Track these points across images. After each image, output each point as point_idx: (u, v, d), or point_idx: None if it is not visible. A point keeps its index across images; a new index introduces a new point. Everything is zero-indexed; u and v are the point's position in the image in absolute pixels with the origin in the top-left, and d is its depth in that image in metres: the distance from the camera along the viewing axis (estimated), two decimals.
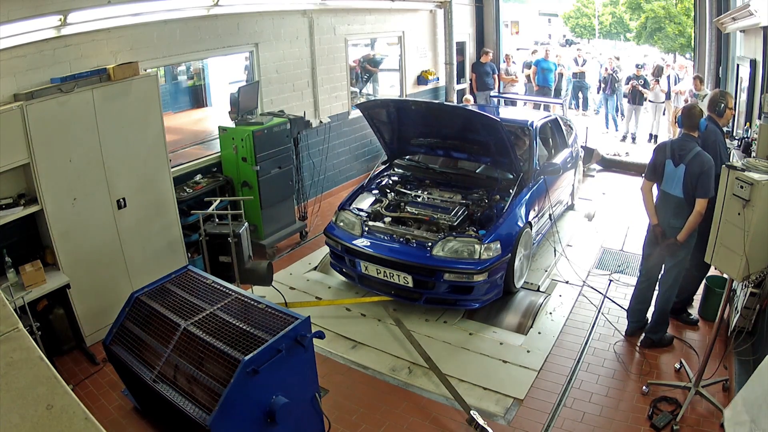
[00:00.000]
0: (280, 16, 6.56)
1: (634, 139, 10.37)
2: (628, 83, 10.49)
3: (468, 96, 9.81)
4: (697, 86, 8.63)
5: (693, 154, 3.76)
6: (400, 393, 3.82)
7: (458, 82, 10.37)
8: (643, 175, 4.21)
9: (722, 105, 4.20)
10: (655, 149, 4.10)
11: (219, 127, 5.85)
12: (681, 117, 3.96)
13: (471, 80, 10.79)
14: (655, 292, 4.20)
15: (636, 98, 10.28)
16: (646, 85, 10.22)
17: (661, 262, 4.07)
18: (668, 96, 10.44)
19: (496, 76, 10.83)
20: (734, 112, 4.93)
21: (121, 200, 4.42)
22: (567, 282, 5.18)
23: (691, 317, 4.45)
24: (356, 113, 7.81)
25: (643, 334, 4.22)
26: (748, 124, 6.21)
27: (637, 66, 10.87)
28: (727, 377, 3.69)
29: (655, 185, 4.07)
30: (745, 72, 6.78)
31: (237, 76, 6.70)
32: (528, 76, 11.79)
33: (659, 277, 4.16)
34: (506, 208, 4.78)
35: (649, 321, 4.26)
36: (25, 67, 4.09)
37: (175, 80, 6.75)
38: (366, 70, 9.15)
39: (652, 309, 4.26)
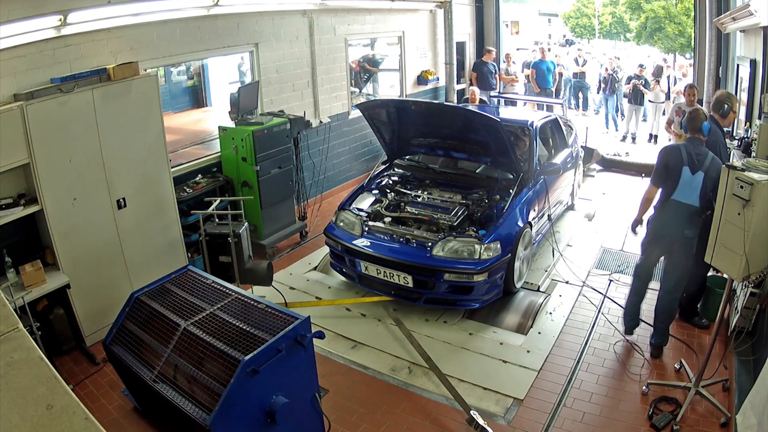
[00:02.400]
0: (280, 16, 6.56)
1: (634, 139, 10.37)
2: (629, 83, 10.48)
3: (474, 88, 9.56)
4: (689, 99, 7.00)
5: (710, 159, 3.66)
6: (400, 393, 3.82)
7: (458, 82, 10.37)
8: (643, 175, 4.13)
9: (726, 106, 4.19)
10: (666, 154, 3.86)
11: (219, 127, 5.84)
12: (685, 121, 3.87)
13: (471, 79, 10.77)
14: (649, 292, 4.18)
15: (637, 98, 10.28)
16: (646, 85, 10.22)
17: (657, 263, 4.05)
18: (668, 96, 10.45)
19: (497, 76, 10.80)
20: (737, 114, 4.86)
21: (121, 200, 4.42)
22: (567, 282, 5.18)
23: (703, 321, 4.41)
24: (356, 113, 7.81)
25: (651, 346, 4.14)
26: (748, 124, 6.21)
27: (640, 66, 10.86)
28: (727, 377, 3.69)
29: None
30: (745, 72, 6.78)
31: (237, 76, 6.70)
32: (528, 76, 11.80)
33: (659, 277, 4.14)
34: (506, 208, 4.78)
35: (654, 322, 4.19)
36: (25, 67, 4.09)
37: (176, 80, 6.75)
38: (365, 69, 9.15)
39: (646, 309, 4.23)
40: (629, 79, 10.56)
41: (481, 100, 9.15)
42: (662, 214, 3.89)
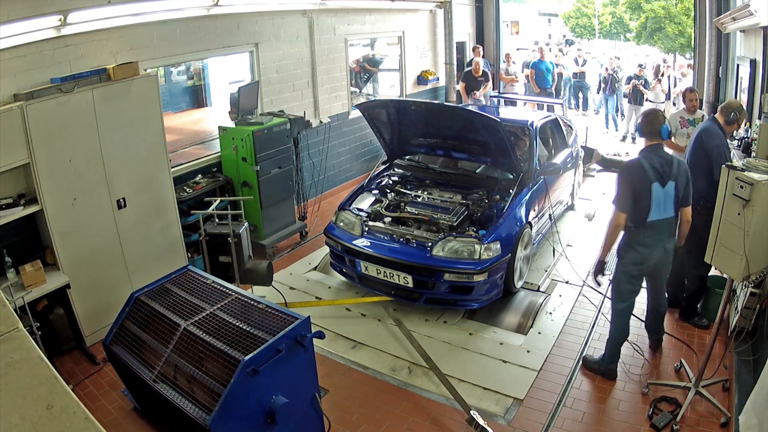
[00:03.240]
0: (280, 16, 6.56)
1: (634, 139, 10.37)
2: (629, 83, 10.47)
3: (477, 59, 9.59)
4: (691, 105, 5.87)
5: (677, 165, 3.47)
6: (400, 393, 3.82)
7: (458, 82, 10.35)
8: (613, 202, 3.51)
9: (733, 115, 4.11)
10: (629, 175, 3.46)
11: (219, 127, 5.85)
12: (641, 125, 3.58)
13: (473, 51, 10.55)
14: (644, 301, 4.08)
15: (637, 98, 10.27)
16: (646, 85, 10.21)
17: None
18: (668, 96, 10.45)
19: (488, 84, 10.54)
20: (739, 128, 4.66)
21: (121, 200, 4.42)
22: (567, 282, 5.18)
23: (703, 321, 4.41)
24: (356, 113, 7.81)
25: (651, 341, 4.15)
26: (748, 124, 6.21)
27: (639, 66, 10.85)
28: (727, 377, 3.69)
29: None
30: (745, 72, 6.78)
31: (237, 76, 6.70)
32: (527, 76, 11.78)
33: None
34: (506, 208, 4.78)
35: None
36: (25, 67, 4.09)
37: (176, 80, 6.75)
38: (366, 70, 9.14)
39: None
40: (629, 79, 10.55)
41: (484, 72, 9.41)
42: (640, 242, 3.52)
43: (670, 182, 3.46)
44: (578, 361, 4.07)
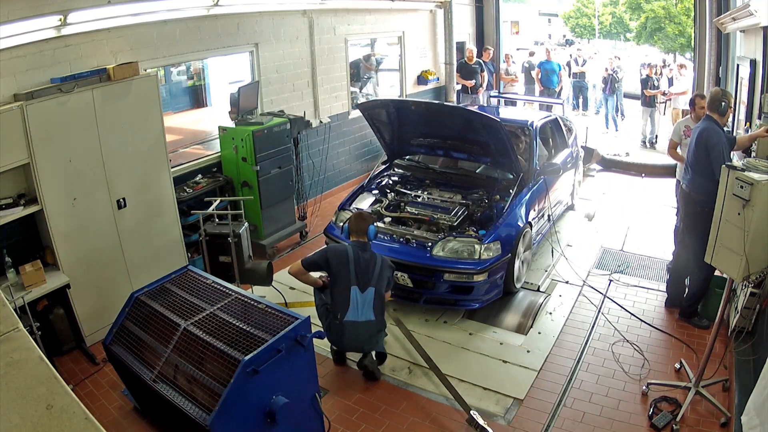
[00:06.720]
0: (280, 16, 6.56)
1: (653, 143, 9.95)
2: (646, 86, 10.05)
3: (471, 46, 10.12)
4: (702, 113, 4.61)
5: (380, 266, 3.75)
6: (400, 393, 3.82)
7: (458, 82, 10.34)
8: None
9: (723, 104, 4.07)
10: (330, 253, 3.80)
11: (219, 127, 5.84)
12: (350, 223, 3.86)
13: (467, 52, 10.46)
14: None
15: (650, 100, 10.03)
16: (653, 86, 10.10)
17: None
18: (664, 94, 10.41)
19: (484, 74, 10.26)
20: (733, 111, 4.57)
21: (121, 200, 4.42)
22: (567, 282, 5.18)
23: (703, 321, 4.42)
24: (356, 113, 7.81)
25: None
26: (748, 124, 6.21)
27: (648, 65, 10.63)
28: (727, 377, 3.69)
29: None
30: (745, 72, 6.78)
31: (237, 76, 6.69)
32: (532, 75, 11.74)
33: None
34: (506, 208, 4.78)
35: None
36: (25, 67, 4.08)
37: (176, 80, 6.75)
38: (360, 73, 9.06)
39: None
40: (644, 82, 10.12)
41: (477, 61, 9.89)
42: (338, 331, 3.75)
43: (370, 288, 3.70)
44: (578, 361, 4.07)
